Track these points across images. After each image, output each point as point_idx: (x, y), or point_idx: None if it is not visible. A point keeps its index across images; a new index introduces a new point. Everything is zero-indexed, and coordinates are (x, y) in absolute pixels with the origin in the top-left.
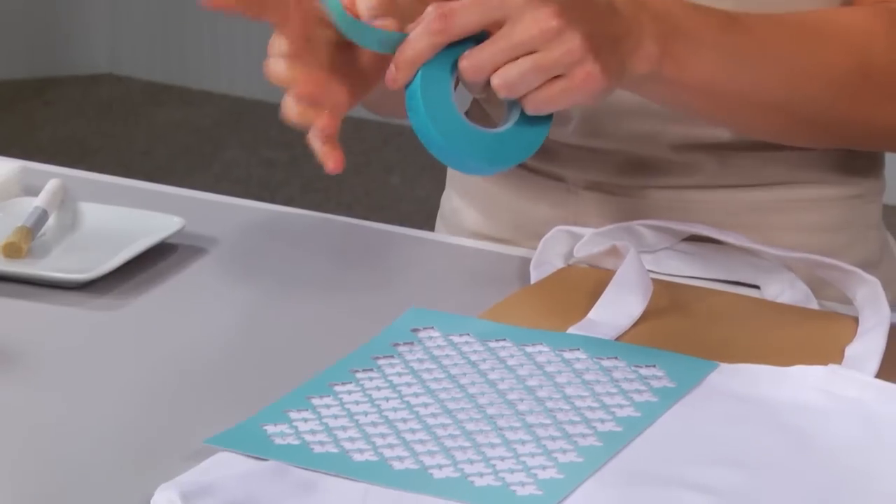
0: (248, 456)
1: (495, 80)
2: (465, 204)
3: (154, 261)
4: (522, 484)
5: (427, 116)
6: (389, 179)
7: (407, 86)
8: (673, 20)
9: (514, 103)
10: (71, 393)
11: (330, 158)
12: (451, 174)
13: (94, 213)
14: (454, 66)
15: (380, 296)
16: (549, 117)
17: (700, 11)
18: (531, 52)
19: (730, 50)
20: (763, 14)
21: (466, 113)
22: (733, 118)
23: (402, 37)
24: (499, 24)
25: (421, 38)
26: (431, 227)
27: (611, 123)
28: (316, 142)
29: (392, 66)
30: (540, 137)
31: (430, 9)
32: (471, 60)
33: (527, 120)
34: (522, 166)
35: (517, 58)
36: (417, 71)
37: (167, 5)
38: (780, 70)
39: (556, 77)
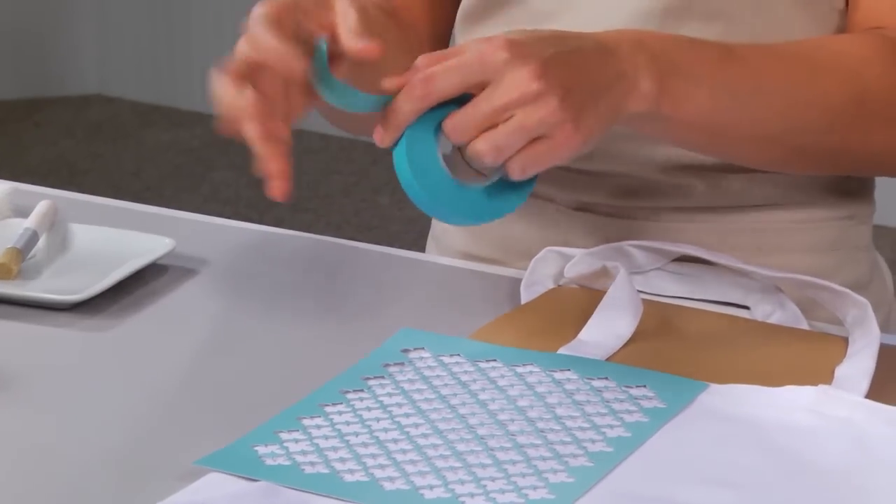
0: (239, 476)
1: (482, 146)
2: (456, 227)
3: (144, 282)
4: None
5: (412, 176)
6: (378, 200)
7: (393, 146)
8: (670, 58)
9: None
10: (61, 414)
11: (276, 188)
12: None
13: (84, 235)
14: (439, 125)
15: (370, 317)
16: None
17: (697, 47)
18: (512, 115)
19: (727, 85)
20: (758, 45)
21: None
22: (730, 151)
23: (387, 99)
24: (481, 86)
25: (405, 102)
26: (421, 247)
27: (601, 146)
28: (268, 165)
29: (379, 128)
30: (524, 194)
31: (413, 74)
32: (454, 124)
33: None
34: None
35: (499, 121)
36: (403, 132)
37: (157, 26)
38: (777, 101)
39: (538, 138)
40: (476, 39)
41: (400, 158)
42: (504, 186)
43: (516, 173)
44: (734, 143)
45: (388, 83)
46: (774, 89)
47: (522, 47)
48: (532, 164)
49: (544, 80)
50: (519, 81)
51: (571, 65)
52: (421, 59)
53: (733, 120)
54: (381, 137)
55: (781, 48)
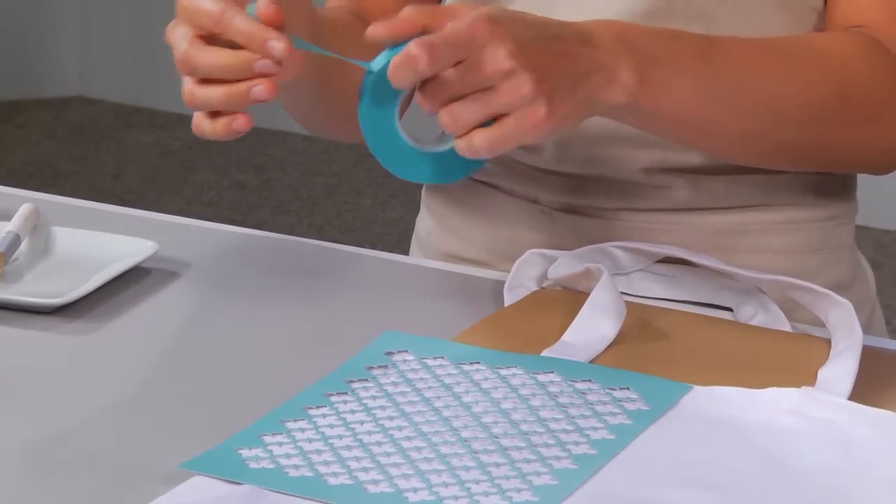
0: (223, 480)
1: (443, 118)
2: (440, 227)
3: (127, 285)
4: None
5: (373, 142)
6: (360, 201)
7: (358, 113)
8: (651, 50)
9: None
10: (44, 417)
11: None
12: (426, 197)
13: (67, 238)
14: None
15: (353, 319)
16: None
17: (678, 39)
18: (483, 90)
19: (708, 78)
20: (740, 38)
21: None
22: (711, 144)
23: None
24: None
25: (402, 69)
26: (403, 249)
27: (584, 148)
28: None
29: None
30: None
31: (401, 24)
32: (424, 93)
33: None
34: (497, 188)
35: (467, 94)
36: (364, 98)
37: (138, 28)
38: (759, 95)
39: (503, 116)
40: (461, 5)
41: (363, 126)
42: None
43: (473, 149)
44: (715, 136)
45: (376, 30)
46: (756, 82)
47: (502, 27)
48: (497, 141)
49: (520, 61)
50: (494, 58)
51: (549, 50)
52: (407, 11)
53: (714, 112)
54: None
55: (763, 42)
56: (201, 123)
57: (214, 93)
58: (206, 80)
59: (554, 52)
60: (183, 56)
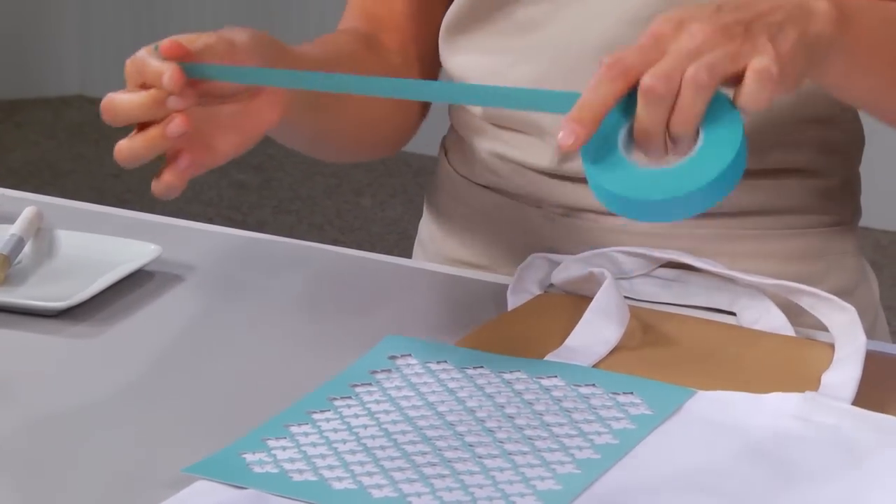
0: (227, 484)
1: (688, 73)
2: (443, 232)
3: (131, 288)
4: None
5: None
6: (360, 201)
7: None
8: None
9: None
10: (47, 420)
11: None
12: (428, 201)
13: (70, 241)
14: (621, 126)
15: (357, 323)
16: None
17: None
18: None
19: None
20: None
21: None
22: None
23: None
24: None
25: (599, 88)
26: (402, 248)
27: None
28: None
29: (568, 128)
30: (730, 153)
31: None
32: (654, 74)
33: (710, 140)
34: (499, 192)
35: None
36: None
37: (138, 27)
38: None
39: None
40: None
41: (602, 184)
42: (704, 155)
43: (743, 101)
44: None
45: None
46: None
47: (687, 14)
48: (753, 92)
49: (721, 23)
50: (694, 32)
51: (743, 7)
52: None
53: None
54: (570, 137)
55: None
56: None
57: (137, 142)
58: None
59: (750, 8)
60: (103, 106)
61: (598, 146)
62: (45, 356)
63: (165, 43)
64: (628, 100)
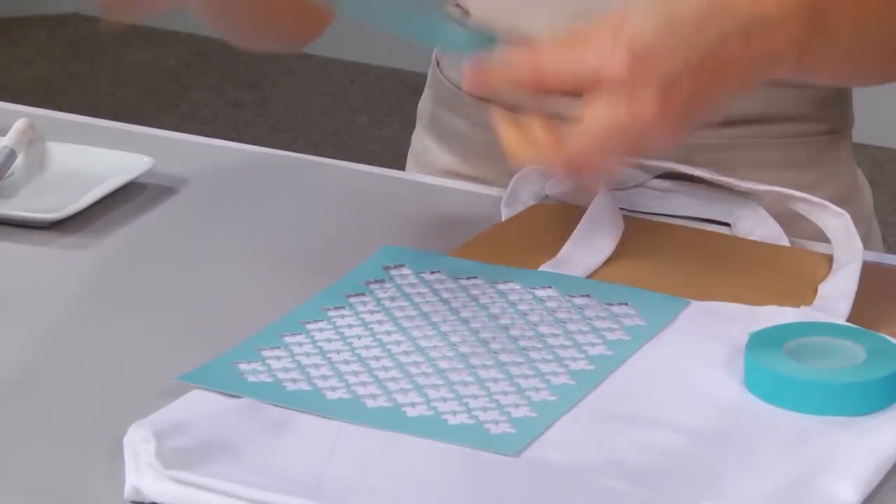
0: (221, 393)
1: (602, 162)
2: (436, 144)
3: (124, 200)
4: (496, 422)
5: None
6: (357, 119)
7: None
8: (822, 11)
9: None
10: (41, 333)
11: None
12: (421, 112)
13: (62, 153)
14: None
15: (351, 235)
16: None
17: None
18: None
19: (860, 20)
20: None
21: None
22: (872, 72)
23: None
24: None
25: (506, 82)
26: (399, 167)
27: None
28: None
29: (470, 74)
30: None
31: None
32: (566, 160)
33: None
34: (494, 103)
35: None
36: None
37: None
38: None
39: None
40: (596, 39)
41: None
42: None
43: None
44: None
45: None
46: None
47: (646, 62)
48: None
49: (663, 107)
50: (636, 108)
51: (701, 80)
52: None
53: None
54: (470, 84)
55: None
56: None
57: None
58: None
59: (705, 81)
60: None
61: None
62: (37, 268)
63: None
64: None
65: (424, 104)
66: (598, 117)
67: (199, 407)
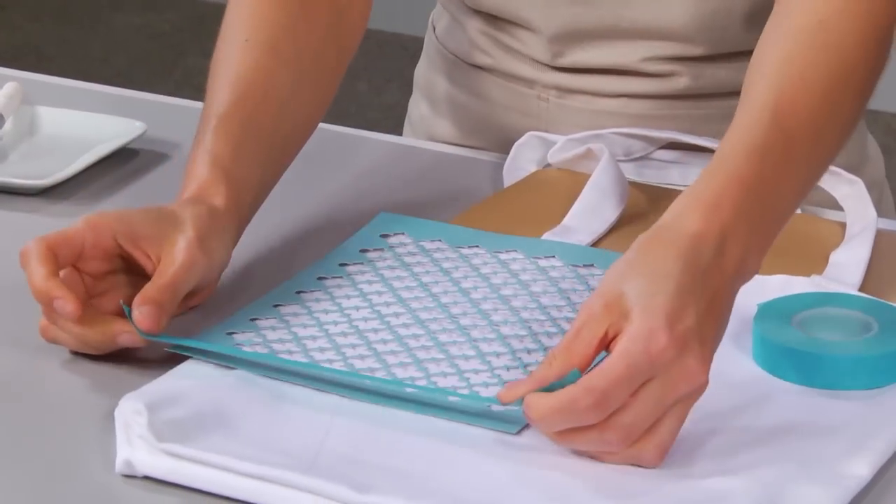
0: (215, 365)
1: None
2: (434, 112)
3: (115, 166)
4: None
5: None
6: (356, 86)
7: None
8: (763, 220)
9: None
10: (31, 300)
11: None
12: (418, 79)
13: (52, 118)
14: None
15: (349, 202)
16: None
17: (754, 173)
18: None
19: (797, 177)
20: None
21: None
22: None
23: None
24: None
25: (568, 420)
26: (400, 135)
27: (580, 45)
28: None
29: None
30: None
31: (578, 391)
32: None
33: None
34: (491, 72)
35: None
36: None
37: None
38: (836, 124)
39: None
40: (633, 335)
41: None
42: None
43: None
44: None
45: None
46: (825, 126)
47: (686, 338)
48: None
49: (708, 367)
50: (688, 376)
51: (720, 328)
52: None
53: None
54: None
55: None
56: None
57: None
58: None
59: (721, 326)
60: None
61: None
62: (26, 235)
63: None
64: None
65: (420, 71)
66: (655, 395)
67: (192, 378)
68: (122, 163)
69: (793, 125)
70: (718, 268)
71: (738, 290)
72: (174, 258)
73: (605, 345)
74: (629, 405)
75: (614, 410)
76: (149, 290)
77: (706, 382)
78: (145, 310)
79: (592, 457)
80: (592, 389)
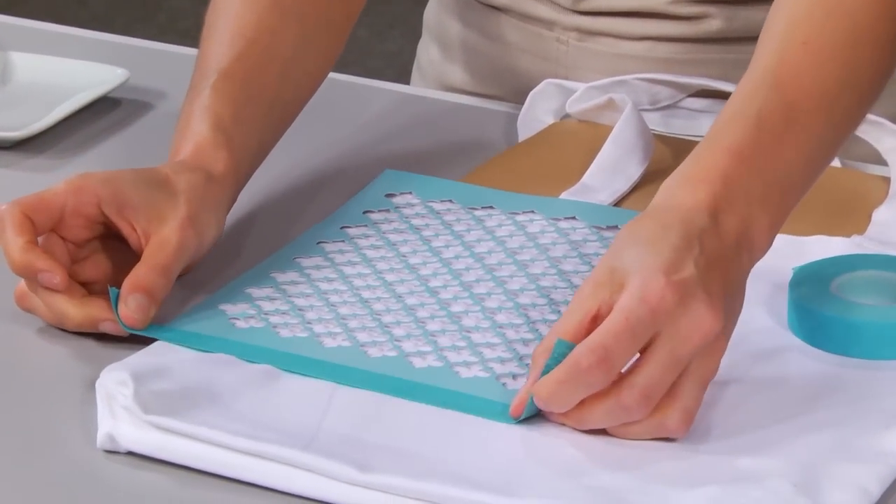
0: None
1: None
2: (445, 56)
3: (95, 116)
4: (513, 376)
5: None
6: (356, 32)
7: None
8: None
9: None
10: (4, 266)
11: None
12: (428, 20)
13: (27, 65)
14: None
15: (350, 157)
16: None
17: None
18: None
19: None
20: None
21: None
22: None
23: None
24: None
25: (576, 388)
26: (404, 83)
27: None
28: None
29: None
30: None
31: (580, 352)
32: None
33: None
34: (507, 12)
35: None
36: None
37: None
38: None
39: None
40: (630, 291)
41: None
42: None
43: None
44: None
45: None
46: (834, 94)
47: (686, 285)
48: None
49: (721, 317)
50: (698, 323)
51: (728, 291)
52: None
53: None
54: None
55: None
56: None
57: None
58: None
59: (734, 285)
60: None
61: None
62: (2, 191)
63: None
64: None
65: (430, 12)
66: (667, 349)
67: (181, 350)
68: (104, 113)
69: (796, 93)
70: (716, 235)
71: (747, 267)
72: (167, 238)
73: (599, 322)
74: (641, 364)
75: (628, 371)
76: (140, 275)
77: (721, 332)
78: (135, 302)
79: (615, 434)
80: (594, 347)
